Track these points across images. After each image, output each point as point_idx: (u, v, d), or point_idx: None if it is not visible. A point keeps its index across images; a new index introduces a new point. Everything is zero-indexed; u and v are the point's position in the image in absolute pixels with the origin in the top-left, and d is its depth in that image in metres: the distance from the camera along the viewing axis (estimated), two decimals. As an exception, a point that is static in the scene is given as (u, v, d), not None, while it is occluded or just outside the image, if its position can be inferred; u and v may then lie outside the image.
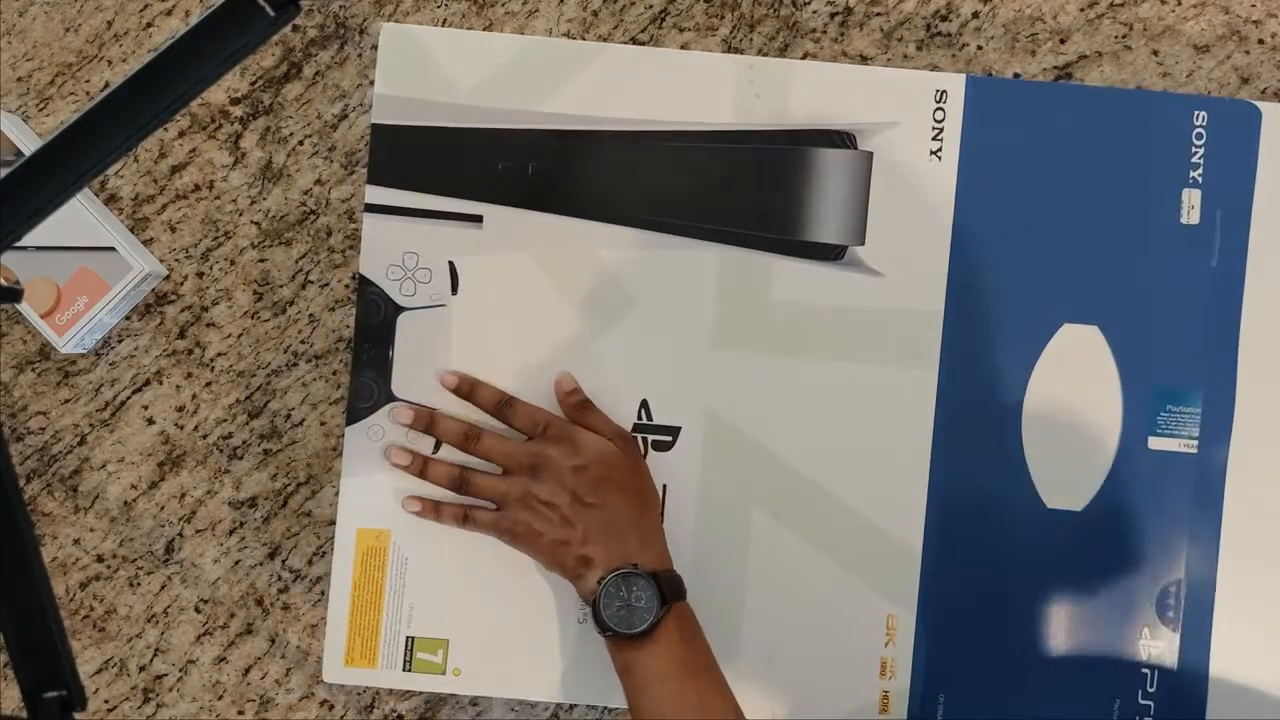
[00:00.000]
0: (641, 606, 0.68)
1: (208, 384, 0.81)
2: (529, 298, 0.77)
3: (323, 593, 0.80)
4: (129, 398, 0.81)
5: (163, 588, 0.81)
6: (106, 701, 0.81)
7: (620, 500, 0.72)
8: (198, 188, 0.81)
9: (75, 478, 0.81)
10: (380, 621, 0.77)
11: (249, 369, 0.81)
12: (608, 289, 0.77)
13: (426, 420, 0.76)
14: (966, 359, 0.77)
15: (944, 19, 0.80)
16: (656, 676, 0.68)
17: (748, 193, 0.77)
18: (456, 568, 0.77)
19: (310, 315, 0.81)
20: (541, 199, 0.77)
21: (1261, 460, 0.77)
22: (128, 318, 0.81)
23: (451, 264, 0.77)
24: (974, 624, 0.77)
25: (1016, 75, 0.80)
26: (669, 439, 0.77)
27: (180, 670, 0.81)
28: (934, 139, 0.77)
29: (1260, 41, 0.80)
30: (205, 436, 0.81)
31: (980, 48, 0.80)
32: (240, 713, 0.81)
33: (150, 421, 0.81)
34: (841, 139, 0.77)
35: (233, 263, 0.81)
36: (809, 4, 0.81)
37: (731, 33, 0.81)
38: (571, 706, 0.80)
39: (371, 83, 0.78)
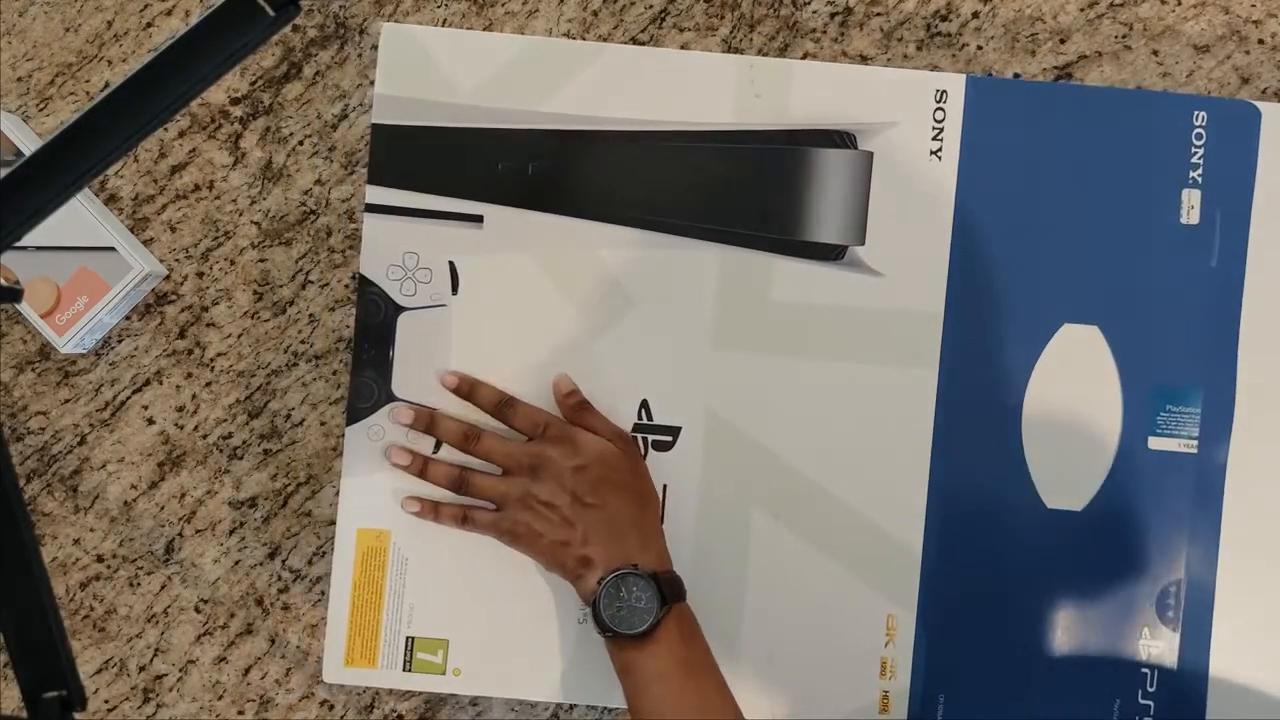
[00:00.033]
0: (641, 607, 0.68)
1: (208, 384, 0.81)
2: (529, 298, 0.77)
3: (323, 593, 0.80)
4: (129, 398, 0.81)
5: (163, 588, 0.81)
6: (106, 701, 0.81)
7: (620, 501, 0.72)
8: (198, 188, 0.81)
9: (75, 478, 0.81)
10: (380, 621, 0.77)
11: (249, 369, 0.81)
12: (608, 289, 0.77)
13: (426, 420, 0.76)
14: (966, 359, 0.77)
15: (944, 19, 0.80)
16: (656, 677, 0.68)
17: (748, 193, 0.77)
18: (456, 568, 0.77)
19: (310, 315, 0.81)
20: (541, 199, 0.77)
21: (1261, 460, 0.77)
22: (128, 318, 0.81)
23: (452, 264, 0.77)
24: (974, 624, 0.77)
25: (1016, 75, 0.80)
26: (669, 439, 0.77)
27: (180, 670, 0.81)
28: (934, 139, 0.77)
29: (1260, 41, 0.80)
30: (205, 436, 0.81)
31: (980, 48, 0.80)
32: (240, 713, 0.81)
33: (150, 421, 0.81)
34: (842, 139, 0.77)
35: (233, 263, 0.81)
36: (809, 4, 0.81)
37: (731, 33, 0.81)
38: (571, 707, 0.80)
39: (371, 83, 0.78)
